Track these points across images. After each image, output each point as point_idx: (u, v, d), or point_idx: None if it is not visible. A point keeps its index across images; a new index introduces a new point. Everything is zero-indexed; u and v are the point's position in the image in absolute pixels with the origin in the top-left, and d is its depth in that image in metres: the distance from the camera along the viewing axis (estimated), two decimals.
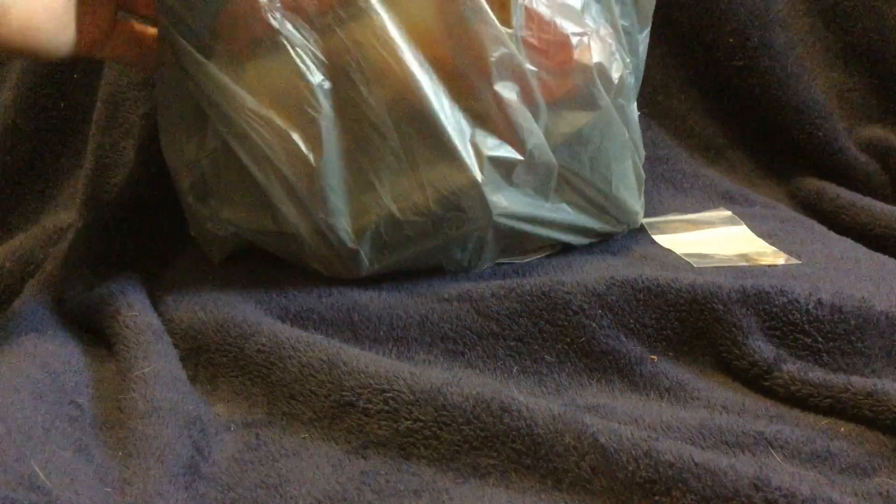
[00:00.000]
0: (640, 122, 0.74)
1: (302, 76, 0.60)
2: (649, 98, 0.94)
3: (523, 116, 0.63)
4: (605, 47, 0.66)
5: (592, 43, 0.65)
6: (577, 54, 0.64)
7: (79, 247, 0.71)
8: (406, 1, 0.60)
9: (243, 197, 0.64)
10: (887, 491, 0.46)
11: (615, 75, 0.67)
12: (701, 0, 0.92)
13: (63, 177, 0.83)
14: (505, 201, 0.64)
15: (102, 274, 0.68)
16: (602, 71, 0.66)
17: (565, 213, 0.69)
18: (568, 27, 0.64)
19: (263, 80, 0.60)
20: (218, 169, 0.64)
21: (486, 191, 0.63)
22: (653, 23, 0.80)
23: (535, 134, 0.64)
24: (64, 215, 0.79)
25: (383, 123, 0.61)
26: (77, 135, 0.82)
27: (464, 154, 0.62)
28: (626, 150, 0.72)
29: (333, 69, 0.60)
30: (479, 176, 0.62)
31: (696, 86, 0.96)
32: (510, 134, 0.63)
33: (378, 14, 0.60)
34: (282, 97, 0.61)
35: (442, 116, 0.61)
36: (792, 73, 0.93)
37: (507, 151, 0.63)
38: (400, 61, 0.60)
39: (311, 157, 0.61)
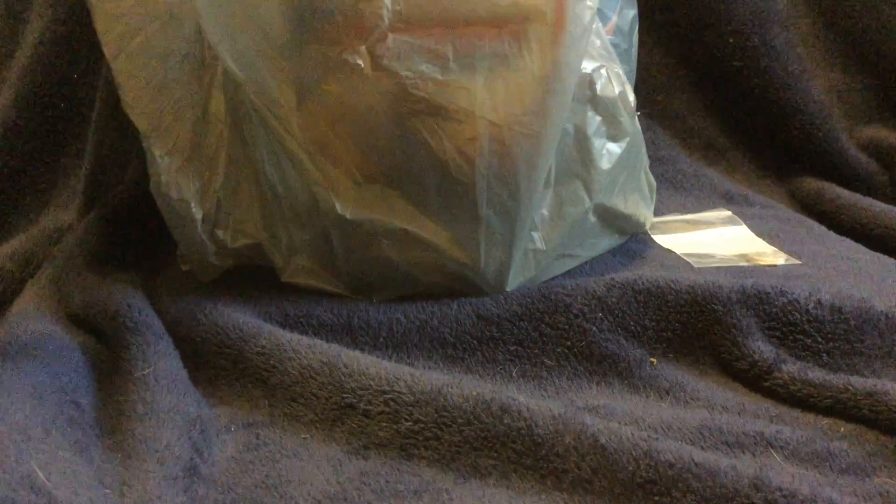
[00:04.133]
0: (640, 122, 0.74)
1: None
2: (649, 98, 0.94)
3: None
4: (620, 75, 0.66)
5: (610, 74, 0.65)
6: (599, 89, 0.64)
7: (79, 247, 0.71)
8: (499, 85, 0.59)
9: (257, 210, 0.65)
10: (887, 491, 0.46)
11: (632, 98, 0.67)
12: (701, 0, 0.92)
13: (63, 177, 0.82)
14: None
15: (102, 274, 0.68)
16: (624, 99, 0.66)
17: (586, 249, 0.69)
18: (588, 65, 0.63)
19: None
20: (234, 187, 0.64)
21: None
22: (653, 23, 0.80)
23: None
24: (64, 215, 0.79)
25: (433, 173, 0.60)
26: (77, 135, 0.82)
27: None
28: (641, 164, 0.72)
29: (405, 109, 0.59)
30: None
31: (696, 86, 0.96)
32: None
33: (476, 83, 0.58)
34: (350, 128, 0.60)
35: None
36: (792, 73, 0.93)
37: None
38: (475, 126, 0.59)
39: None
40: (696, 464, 0.45)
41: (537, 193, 0.62)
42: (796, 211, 0.88)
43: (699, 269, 0.69)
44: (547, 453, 0.48)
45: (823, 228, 0.83)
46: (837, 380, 0.55)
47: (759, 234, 0.78)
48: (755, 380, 0.58)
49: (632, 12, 0.74)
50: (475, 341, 0.60)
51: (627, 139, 0.67)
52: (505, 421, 0.49)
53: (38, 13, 0.81)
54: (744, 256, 0.73)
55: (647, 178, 0.75)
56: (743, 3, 0.92)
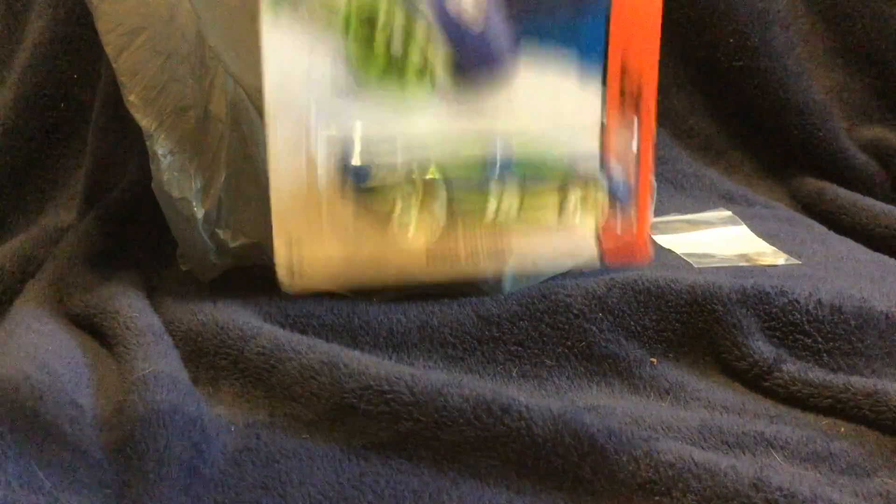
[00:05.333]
0: None
1: None
2: None
3: None
4: None
5: None
6: None
7: (79, 247, 0.71)
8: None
9: (257, 210, 0.64)
10: (887, 491, 0.46)
11: None
12: (701, 0, 0.92)
13: (63, 177, 0.82)
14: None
15: (102, 274, 0.68)
16: None
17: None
18: None
19: None
20: (235, 186, 0.64)
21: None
22: None
23: None
24: (64, 215, 0.79)
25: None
26: (77, 135, 0.82)
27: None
28: None
29: None
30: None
31: (696, 86, 0.96)
32: None
33: None
34: None
35: None
36: (792, 73, 0.93)
37: None
38: None
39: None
40: (696, 464, 0.45)
41: None
42: (796, 211, 0.88)
43: (699, 269, 0.69)
44: (547, 453, 0.48)
45: (823, 228, 0.83)
46: (837, 380, 0.55)
47: (759, 234, 0.78)
48: (755, 380, 0.58)
49: None
50: (475, 341, 0.60)
51: None
52: (505, 421, 0.49)
53: (38, 13, 0.81)
54: (744, 256, 0.73)
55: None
56: (743, 3, 0.92)
